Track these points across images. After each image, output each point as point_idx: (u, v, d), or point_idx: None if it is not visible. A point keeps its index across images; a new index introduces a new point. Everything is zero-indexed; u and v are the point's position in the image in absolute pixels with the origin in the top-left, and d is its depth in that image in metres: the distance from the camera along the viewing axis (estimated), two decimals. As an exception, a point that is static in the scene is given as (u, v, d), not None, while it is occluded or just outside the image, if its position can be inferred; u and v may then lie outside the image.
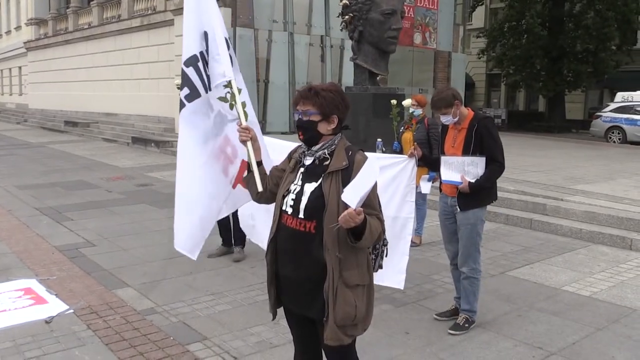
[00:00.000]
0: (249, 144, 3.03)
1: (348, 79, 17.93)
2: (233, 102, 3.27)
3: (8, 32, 44.65)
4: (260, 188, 2.96)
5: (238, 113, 3.22)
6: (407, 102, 6.56)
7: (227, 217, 6.08)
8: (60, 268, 5.98)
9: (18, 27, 41.14)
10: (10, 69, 44.11)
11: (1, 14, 47.01)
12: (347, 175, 2.51)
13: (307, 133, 2.64)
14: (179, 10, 18.88)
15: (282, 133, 16.85)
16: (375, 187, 2.51)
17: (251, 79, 16.55)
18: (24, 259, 6.29)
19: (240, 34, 17.01)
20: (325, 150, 2.63)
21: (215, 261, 6.34)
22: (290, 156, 2.84)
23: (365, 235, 2.43)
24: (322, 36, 19.00)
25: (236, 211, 5.59)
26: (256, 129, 3.26)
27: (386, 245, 2.87)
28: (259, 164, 3.03)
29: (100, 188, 11.04)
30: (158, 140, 17.82)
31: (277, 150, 4.06)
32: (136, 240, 7.27)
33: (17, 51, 40.08)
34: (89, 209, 9.03)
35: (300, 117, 2.64)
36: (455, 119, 4.46)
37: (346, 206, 2.35)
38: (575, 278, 5.95)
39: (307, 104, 2.61)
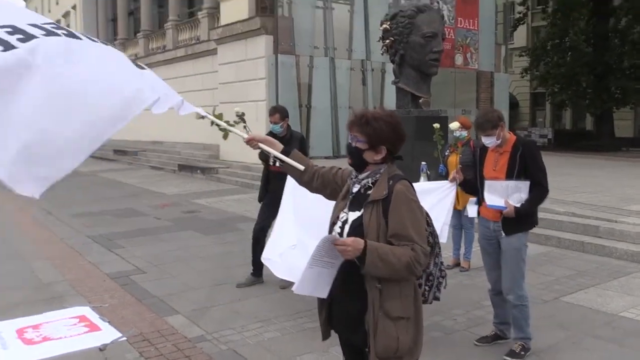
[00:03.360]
0: (262, 145, 3.02)
1: (390, 101, 17.91)
2: (226, 129, 3.18)
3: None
4: (301, 167, 2.92)
5: (233, 132, 3.14)
6: (454, 125, 6.50)
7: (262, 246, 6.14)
8: (112, 295, 6.11)
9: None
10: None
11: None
12: (386, 204, 2.48)
13: (354, 159, 2.64)
14: (222, 40, 19.34)
15: (326, 157, 16.92)
16: (413, 216, 2.48)
17: (293, 104, 16.72)
18: (76, 287, 6.45)
19: (282, 61, 17.26)
20: (369, 180, 2.60)
21: (262, 287, 6.37)
22: (344, 180, 2.82)
23: (369, 262, 2.35)
24: (362, 60, 19.10)
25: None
26: None
27: (444, 276, 2.83)
28: (284, 153, 2.97)
29: (149, 215, 11.26)
30: (203, 167, 18.13)
31: None
32: (184, 267, 7.37)
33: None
34: (138, 236, 9.22)
35: (349, 141, 2.63)
36: (499, 142, 4.40)
37: (386, 237, 2.36)
38: (634, 303, 5.74)
39: (357, 130, 2.58)
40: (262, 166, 6.70)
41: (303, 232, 5.00)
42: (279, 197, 6.19)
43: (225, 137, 3.50)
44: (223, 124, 3.19)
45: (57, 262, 7.68)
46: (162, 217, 11.02)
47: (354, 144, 2.60)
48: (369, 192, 2.57)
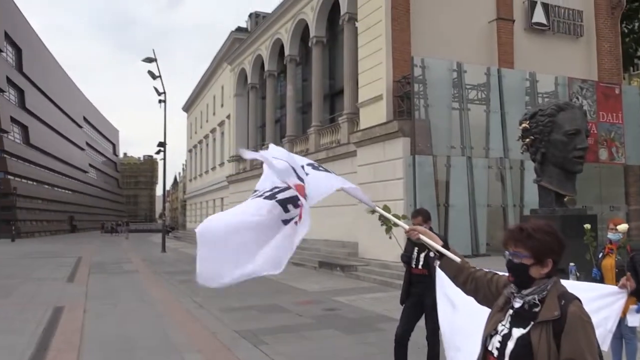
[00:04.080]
0: (423, 238, 3.03)
1: (530, 198, 17.21)
2: (389, 224, 3.42)
3: (213, 168, 50.22)
4: (457, 259, 2.89)
5: (397, 224, 3.34)
6: (622, 227, 5.99)
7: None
8: (259, 393, 6.14)
9: (222, 164, 46.11)
10: (214, 200, 49.01)
11: (209, 153, 53.24)
12: (558, 327, 2.31)
13: (518, 277, 2.49)
14: (361, 143, 19.93)
15: (465, 256, 16.34)
16: (589, 342, 2.29)
17: (431, 203, 16.57)
18: (226, 382, 6.58)
19: (419, 161, 17.34)
20: (536, 296, 2.44)
21: (406, 393, 6.10)
22: (498, 288, 2.70)
23: None
24: (500, 158, 18.69)
25: None
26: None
27: None
28: (444, 247, 3.00)
29: (291, 312, 11.41)
30: (343, 265, 18.26)
31: None
32: (326, 366, 7.29)
33: (219, 184, 44.68)
34: (282, 333, 9.33)
35: (510, 258, 2.50)
36: None
37: None
38: None
39: (519, 245, 2.46)
40: (400, 264, 6.60)
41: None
42: (421, 300, 6.03)
43: (388, 231, 3.58)
44: (392, 218, 3.36)
45: (209, 356, 7.93)
46: (303, 314, 11.11)
47: (517, 260, 2.47)
48: (535, 309, 2.42)
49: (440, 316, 5.29)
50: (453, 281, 2.94)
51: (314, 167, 3.53)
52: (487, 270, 2.88)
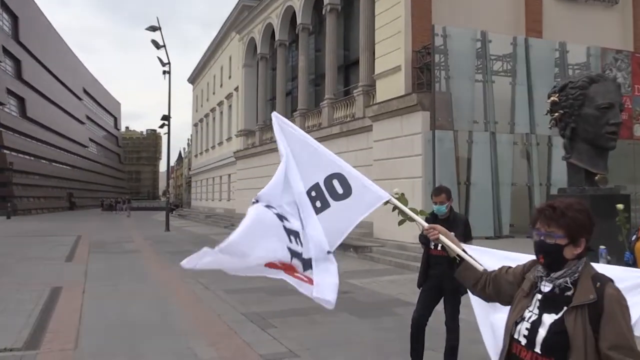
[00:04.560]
0: (443, 239, 3.04)
1: (557, 177, 17.08)
2: (406, 218, 3.50)
3: (220, 143, 50.27)
4: (480, 267, 2.88)
5: (413, 219, 3.45)
6: None
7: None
8: (266, 379, 6.16)
9: (229, 139, 46.14)
10: (220, 177, 49.19)
11: (215, 127, 53.25)
12: (595, 311, 2.27)
13: (550, 258, 2.43)
14: (377, 117, 19.81)
15: (487, 238, 16.32)
16: (629, 326, 2.24)
17: (451, 181, 16.48)
18: (232, 367, 6.61)
19: (439, 137, 17.22)
20: (568, 279, 2.40)
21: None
22: (523, 272, 2.65)
23: None
24: (526, 134, 18.51)
25: None
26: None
27: None
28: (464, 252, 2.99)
29: (302, 295, 11.40)
30: (356, 245, 18.26)
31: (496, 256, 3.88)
32: (338, 352, 7.30)
33: (227, 160, 44.76)
34: (291, 316, 9.36)
35: (542, 238, 2.44)
36: None
37: (593, 347, 2.18)
38: None
39: (552, 225, 2.41)
40: (418, 245, 6.57)
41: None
42: (439, 283, 5.99)
43: (401, 223, 3.55)
44: (408, 212, 3.38)
45: (214, 339, 7.98)
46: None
47: (550, 241, 2.42)
48: (568, 292, 2.38)
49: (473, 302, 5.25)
50: (472, 290, 2.93)
51: (331, 191, 3.62)
52: (501, 266, 2.85)
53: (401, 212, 3.48)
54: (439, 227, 3.08)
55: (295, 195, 3.57)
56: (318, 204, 3.58)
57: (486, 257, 4.05)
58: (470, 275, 2.90)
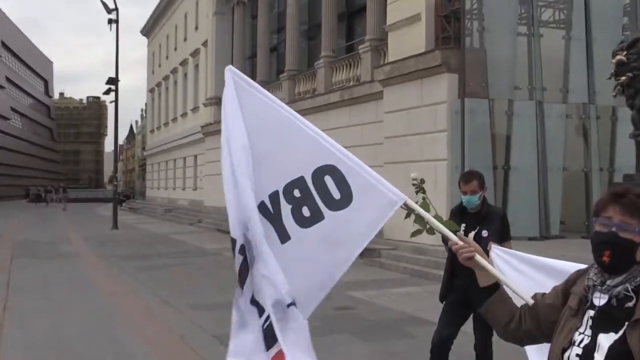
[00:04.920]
0: (480, 260, 2.88)
1: (623, 160, 17.13)
2: (422, 227, 3.25)
3: (184, 115, 50.21)
4: (530, 301, 2.80)
5: (436, 229, 3.18)
6: None
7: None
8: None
9: (195, 109, 46.03)
10: (184, 159, 49.13)
11: (177, 94, 53.11)
12: None
13: (618, 257, 2.43)
14: (389, 81, 19.80)
15: (530, 239, 16.40)
16: None
17: (485, 165, 16.49)
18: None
19: (470, 107, 17.22)
20: (628, 286, 2.41)
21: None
22: (567, 288, 2.68)
23: None
24: (583, 104, 18.53)
25: None
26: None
27: None
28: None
29: (290, 311, 11.48)
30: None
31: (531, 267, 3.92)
32: (337, 385, 7.37)
33: (192, 137, 44.72)
34: (276, 340, 9.40)
35: (613, 230, 2.44)
36: None
37: None
38: None
39: (632, 215, 2.42)
40: (440, 249, 6.62)
41: None
42: (467, 296, 6.04)
43: (415, 234, 3.44)
44: (429, 218, 3.18)
45: (175, 368, 8.04)
46: (309, 316, 11.18)
47: (626, 235, 2.42)
48: (629, 303, 2.40)
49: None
50: (503, 330, 2.85)
51: (323, 193, 3.29)
52: (533, 295, 2.85)
53: (419, 218, 3.24)
54: (473, 243, 2.94)
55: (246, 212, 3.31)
56: (305, 211, 3.29)
57: (524, 268, 4.10)
58: (504, 309, 2.83)
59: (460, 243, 2.92)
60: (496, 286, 2.87)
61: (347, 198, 3.21)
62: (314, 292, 3.39)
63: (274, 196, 3.34)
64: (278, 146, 3.41)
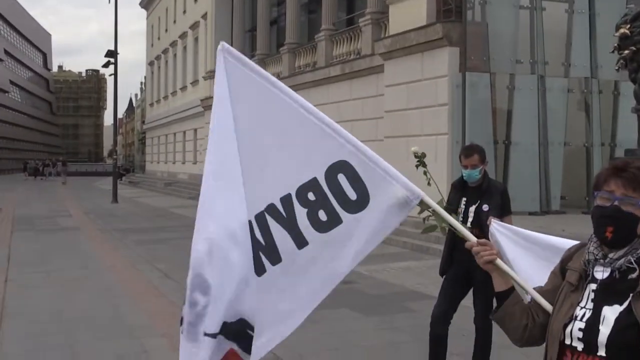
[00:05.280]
0: (501, 264, 2.79)
1: (625, 135, 17.11)
2: (443, 225, 3.13)
3: (183, 89, 50.02)
4: (549, 307, 2.69)
5: (453, 227, 3.06)
6: None
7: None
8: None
9: (195, 82, 45.85)
10: (184, 132, 49.03)
11: (177, 68, 52.87)
12: None
13: (621, 231, 2.44)
14: (390, 54, 19.73)
15: (530, 214, 16.43)
16: None
17: (486, 140, 16.47)
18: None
19: (471, 81, 17.18)
20: (630, 258, 2.42)
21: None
22: (563, 267, 2.69)
23: None
24: (585, 78, 18.48)
25: None
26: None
27: None
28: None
29: (290, 285, 11.54)
30: (361, 223, 18.35)
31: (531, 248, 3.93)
32: (338, 358, 7.41)
33: (192, 110, 44.59)
34: (277, 313, 9.45)
35: (617, 205, 2.44)
36: None
37: None
38: None
39: (635, 188, 2.43)
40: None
41: None
42: (468, 271, 6.05)
43: (427, 231, 3.35)
44: (446, 216, 3.08)
45: (175, 341, 8.06)
46: (308, 289, 11.23)
47: (628, 209, 2.43)
48: (632, 275, 2.42)
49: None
50: (522, 333, 2.75)
51: (338, 194, 3.08)
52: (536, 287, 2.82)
53: (436, 215, 3.13)
54: (493, 246, 2.85)
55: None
56: (322, 215, 3.07)
57: (522, 244, 4.10)
58: (523, 310, 2.74)
59: (480, 245, 2.80)
60: (511, 290, 2.77)
61: (363, 198, 3.01)
62: (315, 294, 3.32)
63: (286, 200, 3.12)
64: (284, 142, 3.18)
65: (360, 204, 3.01)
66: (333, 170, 3.02)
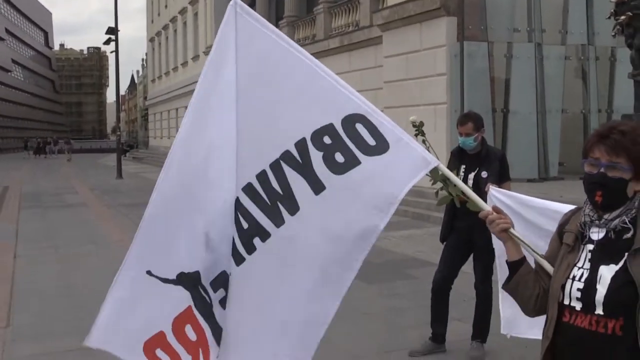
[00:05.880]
0: (515, 233, 2.77)
1: (621, 102, 17.10)
2: (456, 193, 3.15)
3: (184, 64, 49.82)
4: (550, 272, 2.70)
5: (468, 196, 3.00)
6: None
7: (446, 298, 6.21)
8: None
9: (195, 57, 45.64)
10: (186, 108, 48.61)
11: (177, 43, 52.59)
12: None
13: (610, 196, 2.49)
14: (388, 25, 19.66)
15: (529, 180, 16.45)
16: None
17: (485, 108, 16.44)
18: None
19: (469, 50, 17.13)
20: (625, 218, 2.47)
21: (442, 358, 6.28)
22: (561, 230, 2.73)
23: None
24: (582, 45, 18.42)
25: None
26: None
27: None
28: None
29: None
30: (362, 193, 18.40)
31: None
32: (340, 325, 7.41)
33: (193, 86, 44.10)
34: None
35: (602, 170, 2.48)
36: None
37: None
38: None
39: (620, 154, 2.45)
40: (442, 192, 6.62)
41: None
42: (468, 237, 6.09)
43: (442, 203, 3.29)
44: (465, 189, 3.03)
45: (183, 312, 8.14)
46: (311, 259, 11.30)
47: (614, 174, 2.47)
48: (627, 235, 2.46)
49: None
50: (535, 302, 2.74)
51: (356, 138, 2.91)
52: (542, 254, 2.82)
53: (449, 184, 3.13)
54: (507, 215, 2.82)
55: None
56: (339, 157, 2.90)
57: (520, 209, 4.13)
58: (536, 279, 2.74)
59: (495, 214, 2.76)
60: (523, 259, 2.76)
61: (383, 145, 2.85)
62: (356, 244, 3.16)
63: (301, 144, 2.96)
64: (298, 95, 3.04)
65: (379, 149, 2.86)
66: (351, 119, 2.90)
